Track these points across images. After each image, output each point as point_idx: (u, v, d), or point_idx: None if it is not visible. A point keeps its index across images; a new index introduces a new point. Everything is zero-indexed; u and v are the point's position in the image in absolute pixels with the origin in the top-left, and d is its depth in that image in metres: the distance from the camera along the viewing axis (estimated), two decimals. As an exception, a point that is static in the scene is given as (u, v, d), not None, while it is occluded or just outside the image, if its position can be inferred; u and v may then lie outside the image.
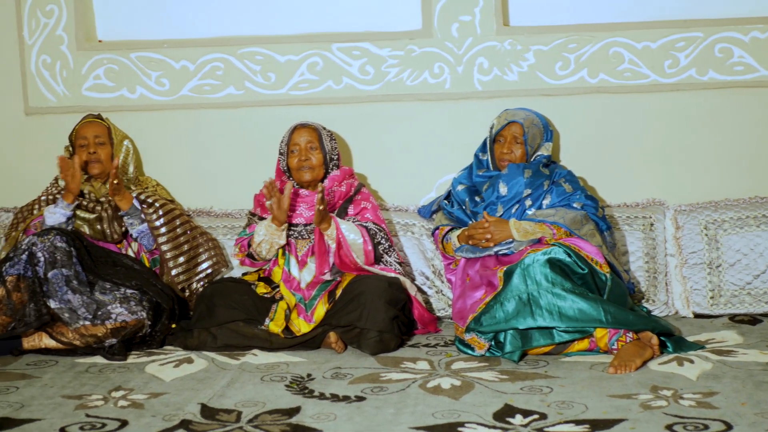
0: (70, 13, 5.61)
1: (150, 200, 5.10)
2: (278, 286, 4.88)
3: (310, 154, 4.99)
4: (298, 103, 5.58)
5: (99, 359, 4.62)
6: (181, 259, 5.08)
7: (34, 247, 4.70)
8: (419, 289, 5.13)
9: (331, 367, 4.42)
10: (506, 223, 4.79)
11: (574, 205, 4.87)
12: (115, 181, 4.92)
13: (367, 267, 4.82)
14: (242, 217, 5.50)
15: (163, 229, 5.07)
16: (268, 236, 4.84)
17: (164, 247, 5.06)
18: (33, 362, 4.61)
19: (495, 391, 3.99)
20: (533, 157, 5.03)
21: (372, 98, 5.57)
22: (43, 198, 5.17)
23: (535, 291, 4.38)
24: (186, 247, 5.12)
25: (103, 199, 5.08)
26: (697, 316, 5.20)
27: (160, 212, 5.08)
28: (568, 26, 5.49)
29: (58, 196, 5.12)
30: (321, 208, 4.69)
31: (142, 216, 5.06)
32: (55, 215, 4.97)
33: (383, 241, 4.91)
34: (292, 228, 4.94)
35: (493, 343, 4.48)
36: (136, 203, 5.06)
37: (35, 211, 5.12)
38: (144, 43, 5.65)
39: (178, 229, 5.11)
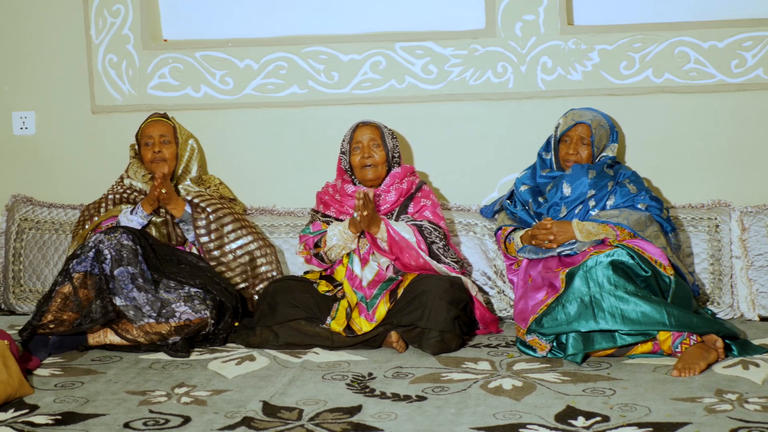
0: (137, 12, 5.67)
1: (202, 204, 5.12)
2: (340, 285, 4.89)
3: (373, 151, 5.00)
4: (361, 102, 5.58)
5: (162, 356, 4.66)
6: (223, 268, 5.10)
7: (101, 245, 4.75)
8: (480, 289, 5.11)
9: (392, 366, 4.42)
10: (569, 224, 4.76)
11: (639, 206, 4.83)
12: (163, 191, 4.95)
13: (428, 259, 4.80)
14: (304, 216, 5.52)
15: (206, 238, 5.09)
16: (342, 241, 4.86)
17: (209, 255, 5.10)
18: (98, 358, 4.66)
19: (557, 392, 3.97)
20: (598, 158, 4.99)
21: (435, 97, 5.56)
22: (110, 197, 5.22)
23: (597, 293, 4.35)
24: (231, 256, 5.13)
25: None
26: (762, 319, 5.14)
27: (211, 218, 5.10)
28: (633, 25, 5.44)
29: (124, 195, 5.17)
30: (365, 213, 4.69)
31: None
32: (132, 223, 5.01)
33: (438, 240, 4.89)
34: (355, 227, 4.96)
35: (554, 344, 4.46)
36: (188, 209, 5.10)
37: (102, 210, 5.17)
38: (209, 43, 5.70)
39: (224, 238, 5.12)
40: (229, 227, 5.13)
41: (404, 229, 4.81)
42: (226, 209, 5.17)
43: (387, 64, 5.58)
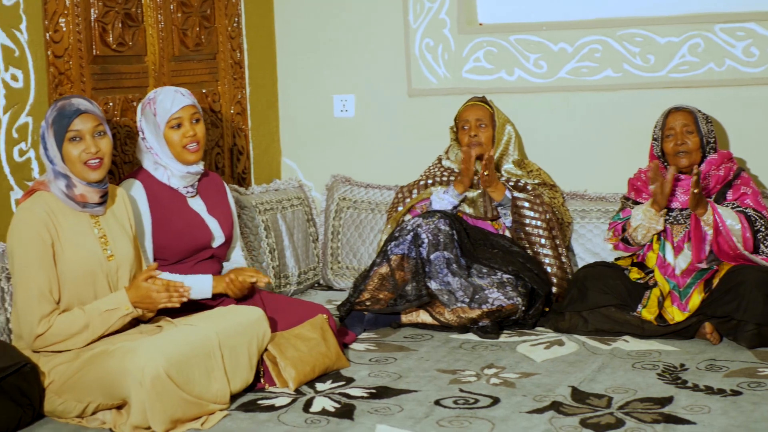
0: (454, -4, 5.77)
1: (520, 198, 5.12)
2: (652, 272, 4.81)
3: (686, 138, 4.86)
4: (677, 85, 5.44)
5: (472, 336, 4.74)
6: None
7: (419, 229, 4.87)
8: (802, 282, 4.88)
9: (705, 358, 4.31)
10: None
11: None
12: (486, 173, 5.00)
13: (746, 253, 4.63)
14: (615, 201, 5.45)
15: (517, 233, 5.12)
16: (645, 221, 4.77)
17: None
18: (410, 336, 4.79)
19: None
20: None
21: (756, 81, 5.33)
22: (421, 182, 5.34)
23: None
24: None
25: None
26: None
27: (525, 221, 5.11)
28: None
29: (441, 177, 5.27)
30: (696, 191, 4.57)
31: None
32: (443, 202, 5.11)
33: (763, 228, 4.71)
34: (668, 213, 4.84)
35: None
36: (508, 194, 5.13)
37: (414, 193, 5.30)
38: (523, 26, 5.71)
39: (532, 236, 5.11)
40: (528, 228, 5.11)
41: (729, 215, 4.65)
42: (538, 211, 5.13)
43: (705, 47, 5.41)
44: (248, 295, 4.36)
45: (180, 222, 4.34)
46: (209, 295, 4.29)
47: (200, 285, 4.26)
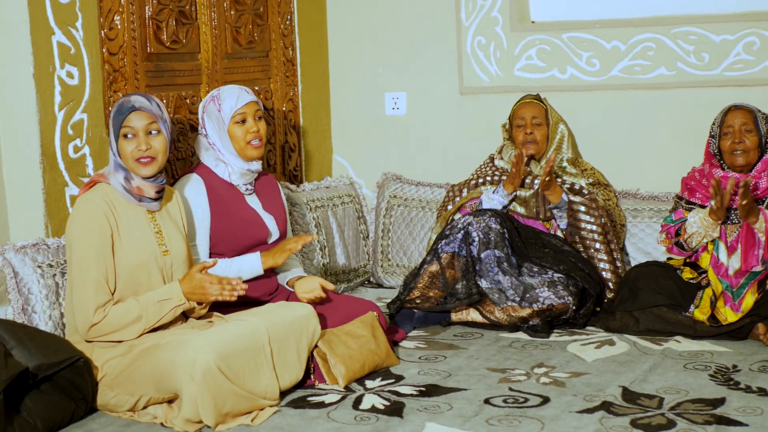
0: (507, -6, 5.75)
1: (576, 202, 5.08)
2: (704, 272, 4.77)
3: (745, 137, 4.81)
4: (732, 84, 5.39)
5: (522, 335, 4.73)
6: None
7: (469, 227, 4.86)
8: None
9: (758, 359, 4.27)
10: None
11: None
12: (547, 179, 4.97)
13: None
14: (668, 201, 5.41)
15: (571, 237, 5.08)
16: (702, 229, 4.72)
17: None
18: (460, 334, 4.79)
19: None
20: None
21: (813, 80, 5.29)
22: (472, 182, 5.33)
23: None
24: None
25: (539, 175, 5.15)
26: None
27: (581, 224, 5.07)
28: None
29: (493, 176, 5.25)
30: (744, 203, 4.46)
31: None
32: (492, 202, 5.09)
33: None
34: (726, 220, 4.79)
35: None
36: (564, 197, 5.09)
37: (464, 191, 5.29)
38: (576, 24, 5.68)
39: (587, 240, 5.06)
40: (584, 232, 5.08)
41: (781, 220, 4.62)
42: (594, 214, 5.08)
43: (761, 45, 5.35)
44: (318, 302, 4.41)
45: (239, 217, 4.40)
46: (261, 272, 4.36)
47: (249, 263, 4.34)
